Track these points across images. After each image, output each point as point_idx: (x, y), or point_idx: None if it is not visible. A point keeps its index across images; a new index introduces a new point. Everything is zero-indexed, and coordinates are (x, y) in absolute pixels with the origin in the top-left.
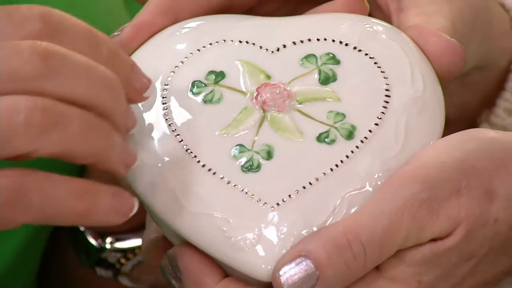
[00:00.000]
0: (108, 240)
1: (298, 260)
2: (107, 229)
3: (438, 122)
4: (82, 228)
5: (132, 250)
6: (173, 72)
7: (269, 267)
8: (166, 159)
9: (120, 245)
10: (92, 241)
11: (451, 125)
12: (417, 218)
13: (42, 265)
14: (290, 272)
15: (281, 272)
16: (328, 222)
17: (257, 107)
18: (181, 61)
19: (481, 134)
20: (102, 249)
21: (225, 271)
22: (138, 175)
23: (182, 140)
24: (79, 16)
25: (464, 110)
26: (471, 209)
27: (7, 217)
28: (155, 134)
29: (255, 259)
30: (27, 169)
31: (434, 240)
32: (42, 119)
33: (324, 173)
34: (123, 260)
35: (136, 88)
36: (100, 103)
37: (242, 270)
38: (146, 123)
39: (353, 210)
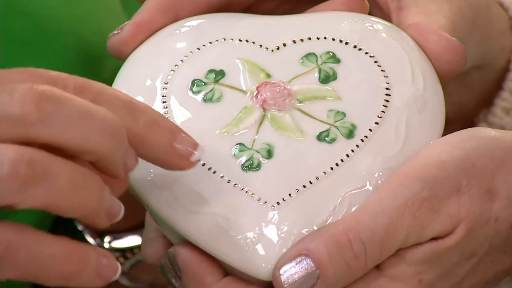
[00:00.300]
0: (107, 239)
1: (298, 259)
2: (106, 228)
3: (438, 120)
4: (80, 227)
5: (131, 249)
6: (173, 70)
7: (270, 266)
8: None
9: (118, 244)
10: (91, 240)
11: (449, 124)
12: (418, 217)
13: None
14: (291, 271)
15: (281, 271)
16: (329, 221)
17: (257, 106)
18: (181, 60)
19: (481, 133)
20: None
21: (225, 269)
22: (138, 175)
23: None
24: (76, 16)
25: (462, 109)
26: (471, 208)
27: None
28: None
29: (256, 258)
30: (16, 224)
31: (434, 239)
32: (26, 173)
33: (325, 172)
34: (121, 260)
35: (181, 155)
36: (96, 150)
37: (242, 269)
38: None
39: (353, 209)
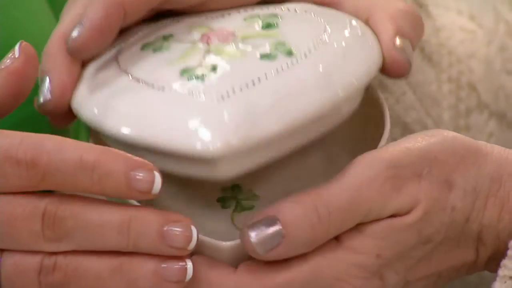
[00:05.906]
0: None
1: (266, 219)
2: None
3: (375, 51)
4: None
5: None
6: (124, 43)
7: (218, 144)
8: (116, 89)
9: None
10: None
11: None
12: (382, 192)
13: None
14: (258, 229)
15: (249, 230)
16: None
17: (202, 44)
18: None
19: (445, 132)
20: None
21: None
22: (87, 106)
23: (131, 74)
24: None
25: None
26: (430, 192)
27: None
28: (106, 74)
29: (203, 143)
30: None
31: (393, 216)
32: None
33: (266, 75)
34: None
35: (141, 192)
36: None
37: (191, 155)
38: (99, 70)
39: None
